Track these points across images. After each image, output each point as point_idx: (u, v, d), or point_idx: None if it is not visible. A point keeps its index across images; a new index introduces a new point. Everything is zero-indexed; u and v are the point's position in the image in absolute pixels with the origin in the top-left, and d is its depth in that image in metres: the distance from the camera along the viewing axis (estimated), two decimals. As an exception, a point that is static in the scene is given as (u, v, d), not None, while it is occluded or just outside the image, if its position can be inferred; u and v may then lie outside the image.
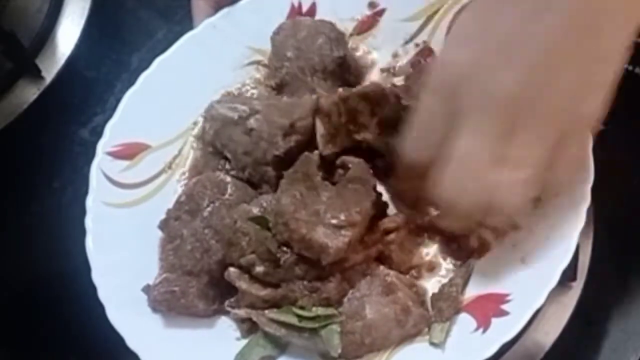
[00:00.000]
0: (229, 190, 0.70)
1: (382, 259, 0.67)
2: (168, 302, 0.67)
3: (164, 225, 0.70)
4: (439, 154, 0.60)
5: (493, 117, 0.58)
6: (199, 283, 0.67)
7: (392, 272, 0.65)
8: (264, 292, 0.66)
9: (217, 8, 0.79)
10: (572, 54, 0.57)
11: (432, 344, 0.63)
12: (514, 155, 0.58)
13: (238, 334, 0.67)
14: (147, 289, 0.68)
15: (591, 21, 0.57)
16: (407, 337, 0.64)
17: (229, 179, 0.71)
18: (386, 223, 0.67)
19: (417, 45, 0.76)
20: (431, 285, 0.67)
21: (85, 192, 0.71)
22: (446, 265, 0.68)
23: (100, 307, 0.66)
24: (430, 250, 0.69)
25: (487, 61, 0.58)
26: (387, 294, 0.64)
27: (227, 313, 0.68)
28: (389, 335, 0.63)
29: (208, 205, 0.69)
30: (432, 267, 0.68)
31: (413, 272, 0.68)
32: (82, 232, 0.69)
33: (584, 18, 0.56)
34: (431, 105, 0.61)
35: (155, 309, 0.68)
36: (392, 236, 0.67)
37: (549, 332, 0.69)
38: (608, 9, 0.57)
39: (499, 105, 0.58)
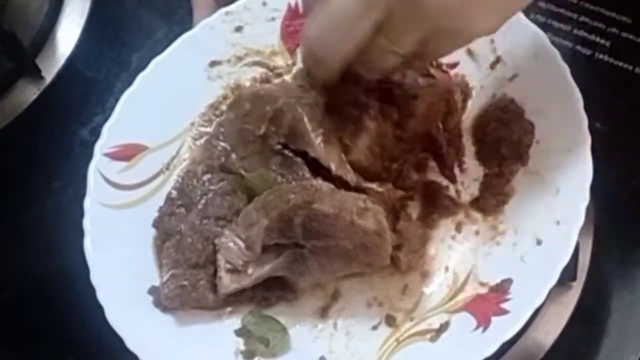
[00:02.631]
0: (218, 180, 0.70)
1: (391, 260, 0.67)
2: (180, 298, 0.67)
3: (158, 223, 0.70)
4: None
5: None
6: (207, 274, 0.68)
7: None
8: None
9: (216, 8, 0.79)
10: None
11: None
12: (387, 29, 0.59)
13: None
14: (153, 290, 0.68)
15: None
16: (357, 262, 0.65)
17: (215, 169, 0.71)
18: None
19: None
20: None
21: (85, 192, 0.71)
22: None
23: (99, 308, 0.66)
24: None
25: None
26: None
27: (234, 304, 0.68)
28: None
29: (202, 198, 0.69)
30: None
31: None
32: (81, 233, 0.69)
33: None
34: None
35: (166, 308, 0.68)
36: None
37: (549, 332, 0.69)
38: None
39: None
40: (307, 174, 0.66)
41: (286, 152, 0.68)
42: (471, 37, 0.61)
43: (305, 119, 0.67)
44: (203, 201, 0.70)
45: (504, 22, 0.60)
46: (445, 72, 0.74)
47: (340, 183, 0.66)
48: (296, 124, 0.67)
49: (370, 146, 0.68)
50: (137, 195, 0.73)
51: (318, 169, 0.67)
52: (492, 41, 0.73)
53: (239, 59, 0.78)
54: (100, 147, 0.73)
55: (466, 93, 0.73)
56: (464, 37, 0.61)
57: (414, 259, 0.68)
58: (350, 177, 0.66)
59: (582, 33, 0.83)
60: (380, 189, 0.67)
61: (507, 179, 0.69)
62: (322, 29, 0.61)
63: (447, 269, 0.68)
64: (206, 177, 0.71)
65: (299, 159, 0.67)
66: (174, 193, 0.72)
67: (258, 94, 0.71)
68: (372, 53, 0.61)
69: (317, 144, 0.66)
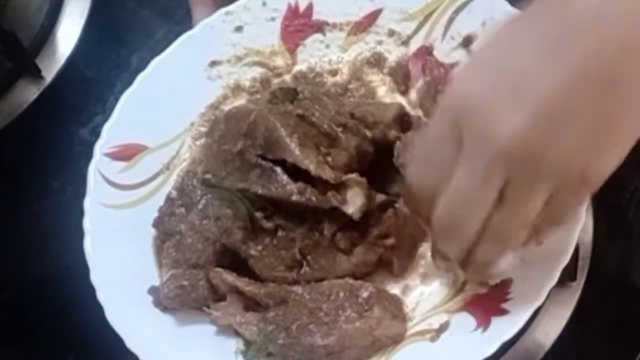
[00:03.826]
0: None
1: (384, 263, 0.68)
2: (180, 298, 0.67)
3: (158, 223, 0.70)
4: (443, 179, 0.57)
5: (490, 161, 0.54)
6: (206, 274, 0.68)
7: (370, 286, 0.65)
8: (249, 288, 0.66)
9: (215, 8, 0.79)
10: (590, 103, 0.52)
11: None
12: (508, 205, 0.55)
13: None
14: (153, 290, 0.68)
15: (617, 69, 0.52)
16: (382, 348, 0.64)
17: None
18: (379, 228, 0.67)
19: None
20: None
21: (85, 193, 0.71)
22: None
23: (99, 308, 0.66)
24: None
25: (495, 96, 0.53)
26: (363, 310, 0.64)
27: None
28: (362, 345, 0.64)
29: (202, 198, 0.69)
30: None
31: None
32: (81, 233, 0.69)
33: (610, 64, 0.52)
34: (438, 127, 0.57)
35: (165, 308, 0.68)
36: (390, 241, 0.67)
37: (549, 332, 0.69)
38: (628, 65, 0.52)
39: (500, 150, 0.53)
40: (287, 181, 0.66)
41: (264, 163, 0.67)
42: (598, 180, 0.55)
43: (279, 126, 0.67)
44: (203, 201, 0.70)
45: (626, 153, 0.54)
46: (445, 71, 0.74)
47: (320, 183, 0.66)
48: (270, 133, 0.67)
49: (348, 163, 0.68)
50: (137, 195, 0.73)
51: (298, 174, 0.66)
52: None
53: (239, 58, 0.78)
54: (100, 147, 0.73)
55: None
56: (591, 182, 0.55)
57: (406, 262, 0.68)
58: (329, 175, 0.66)
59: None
60: (360, 179, 0.66)
61: None
62: (446, 210, 0.57)
63: (447, 269, 0.68)
64: (206, 176, 0.71)
65: (277, 168, 0.67)
66: (174, 193, 0.72)
67: (230, 113, 0.71)
68: (498, 230, 0.56)
69: (293, 147, 0.66)
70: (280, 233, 0.67)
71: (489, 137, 0.53)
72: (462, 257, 0.59)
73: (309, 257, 0.66)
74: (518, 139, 0.52)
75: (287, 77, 0.77)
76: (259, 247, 0.67)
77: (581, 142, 0.52)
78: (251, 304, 0.66)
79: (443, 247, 0.60)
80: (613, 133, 0.53)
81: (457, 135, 0.55)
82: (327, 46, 0.78)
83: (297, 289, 0.66)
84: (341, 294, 0.65)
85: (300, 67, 0.78)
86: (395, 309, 0.65)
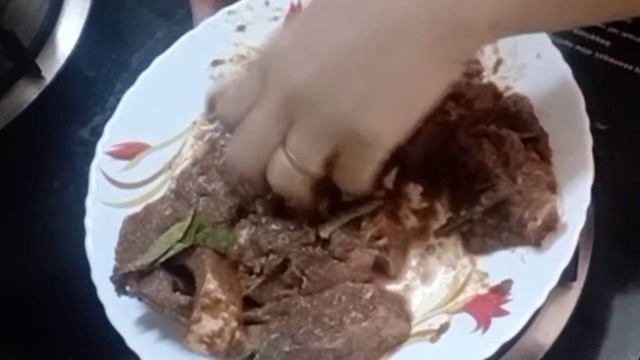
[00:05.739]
0: (214, 185, 0.70)
1: (380, 265, 0.68)
2: None
3: None
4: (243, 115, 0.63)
5: (279, 101, 0.60)
6: None
7: (372, 287, 0.65)
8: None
9: (217, 8, 0.79)
10: (361, 68, 0.57)
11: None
12: (290, 145, 0.60)
13: (238, 333, 0.67)
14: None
15: (385, 39, 0.57)
16: (388, 349, 0.64)
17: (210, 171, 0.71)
18: (372, 231, 0.67)
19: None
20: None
21: (85, 192, 0.71)
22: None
23: (100, 307, 0.66)
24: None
25: (295, 50, 0.60)
26: (368, 311, 0.64)
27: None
28: (369, 347, 0.63)
29: (198, 200, 0.69)
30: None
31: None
32: (82, 232, 0.69)
33: (379, 34, 0.57)
34: (249, 73, 0.64)
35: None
36: (383, 241, 0.67)
37: (549, 332, 0.69)
38: (405, 32, 0.57)
39: (287, 93, 0.59)
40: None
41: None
42: (375, 145, 0.60)
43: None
44: (200, 203, 0.70)
45: (403, 128, 0.59)
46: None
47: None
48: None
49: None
50: (139, 194, 0.73)
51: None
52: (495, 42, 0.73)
53: (242, 58, 0.78)
54: (102, 145, 0.73)
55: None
56: (368, 146, 0.60)
57: (401, 261, 0.68)
58: None
59: (582, 33, 0.83)
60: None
61: None
62: (237, 145, 0.64)
63: (447, 269, 0.68)
64: (202, 178, 0.71)
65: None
66: (171, 195, 0.72)
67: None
68: (278, 169, 0.61)
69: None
70: (272, 257, 0.67)
71: (283, 81, 0.60)
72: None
73: (307, 272, 0.66)
74: (303, 85, 0.59)
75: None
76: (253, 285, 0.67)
77: (351, 101, 0.58)
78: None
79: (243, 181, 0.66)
80: (380, 98, 0.58)
81: (262, 80, 0.61)
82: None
83: (298, 300, 0.65)
84: (344, 298, 0.64)
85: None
86: (399, 308, 0.65)
